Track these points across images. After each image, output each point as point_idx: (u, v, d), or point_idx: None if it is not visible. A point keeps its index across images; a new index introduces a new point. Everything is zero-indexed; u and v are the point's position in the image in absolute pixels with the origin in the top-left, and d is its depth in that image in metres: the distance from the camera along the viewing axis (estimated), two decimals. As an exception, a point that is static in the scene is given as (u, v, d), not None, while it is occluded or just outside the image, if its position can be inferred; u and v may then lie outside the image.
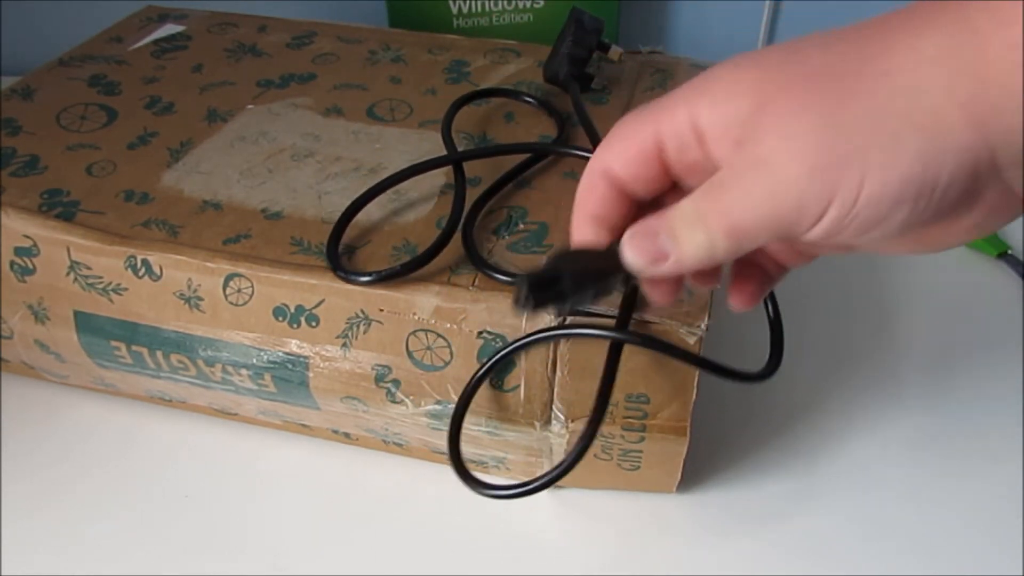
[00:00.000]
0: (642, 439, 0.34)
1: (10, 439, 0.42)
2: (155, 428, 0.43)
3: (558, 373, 0.33)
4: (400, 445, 0.40)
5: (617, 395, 0.33)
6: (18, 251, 0.38)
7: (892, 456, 0.41)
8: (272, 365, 0.36)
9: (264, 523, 0.38)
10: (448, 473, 0.40)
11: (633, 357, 0.32)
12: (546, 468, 0.37)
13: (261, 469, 0.41)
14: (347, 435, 0.40)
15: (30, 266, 0.38)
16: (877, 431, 0.43)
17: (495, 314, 0.33)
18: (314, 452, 0.41)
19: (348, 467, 0.41)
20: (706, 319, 0.32)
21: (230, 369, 0.37)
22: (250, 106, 0.47)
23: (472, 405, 0.34)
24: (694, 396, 0.33)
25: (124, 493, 0.40)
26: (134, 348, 0.37)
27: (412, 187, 0.40)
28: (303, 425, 0.40)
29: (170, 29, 0.53)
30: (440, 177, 0.41)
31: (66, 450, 0.42)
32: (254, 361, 0.36)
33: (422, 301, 0.34)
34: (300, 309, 0.35)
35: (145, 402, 0.44)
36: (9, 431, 0.43)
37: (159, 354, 0.37)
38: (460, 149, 0.42)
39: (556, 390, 0.33)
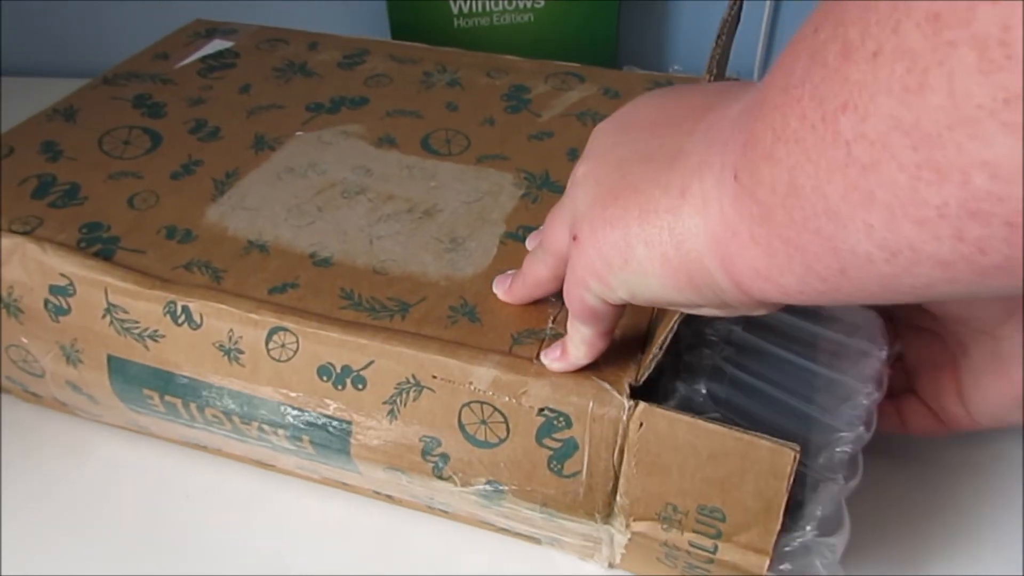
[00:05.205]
0: (711, 561, 0.30)
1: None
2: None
3: (624, 464, 0.30)
4: (446, 511, 0.37)
5: (688, 503, 0.29)
6: (53, 289, 0.36)
7: (891, 456, 0.40)
8: (311, 427, 0.33)
9: (299, 588, 0.36)
10: (496, 541, 0.38)
11: (710, 464, 0.28)
12: (605, 554, 0.35)
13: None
14: (390, 496, 0.38)
15: (65, 306, 0.36)
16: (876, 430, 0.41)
17: (559, 391, 0.30)
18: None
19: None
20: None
21: (267, 428, 0.34)
22: (299, 133, 0.44)
23: (525, 490, 0.31)
24: (780, 522, 0.28)
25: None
26: (167, 399, 0.35)
27: (470, 234, 0.37)
28: (343, 483, 0.38)
29: (218, 45, 0.51)
30: (500, 225, 0.38)
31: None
32: (292, 421, 0.34)
33: (480, 371, 0.31)
34: (347, 370, 0.32)
35: (180, 445, 0.42)
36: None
37: (193, 406, 0.35)
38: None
39: (621, 482, 0.30)
